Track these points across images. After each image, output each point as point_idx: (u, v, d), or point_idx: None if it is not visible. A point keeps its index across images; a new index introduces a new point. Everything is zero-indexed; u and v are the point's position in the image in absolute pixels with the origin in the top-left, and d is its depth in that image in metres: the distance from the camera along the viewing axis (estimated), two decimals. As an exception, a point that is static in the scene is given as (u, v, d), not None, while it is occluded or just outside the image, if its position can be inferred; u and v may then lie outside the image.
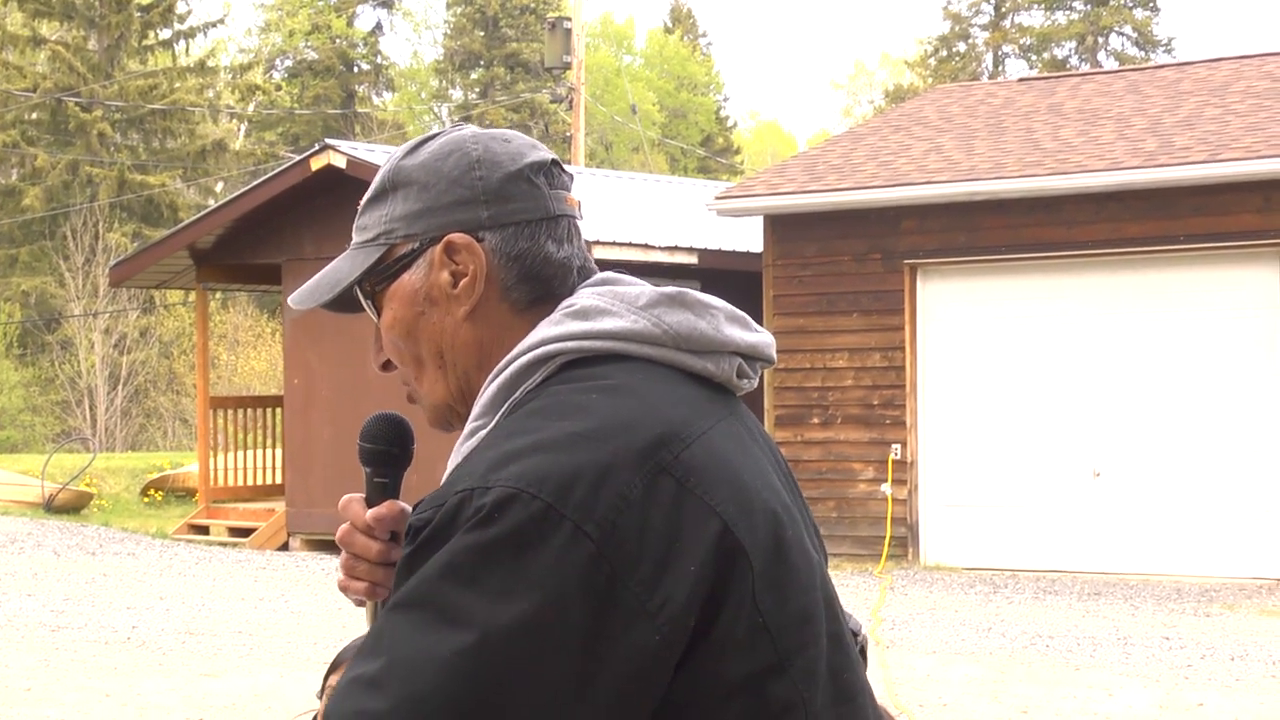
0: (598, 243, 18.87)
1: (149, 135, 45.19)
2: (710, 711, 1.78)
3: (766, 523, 1.85)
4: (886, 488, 17.56)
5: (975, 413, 17.57)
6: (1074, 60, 53.58)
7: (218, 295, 36.91)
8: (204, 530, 20.92)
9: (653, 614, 1.74)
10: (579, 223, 2.05)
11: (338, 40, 55.29)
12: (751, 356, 1.99)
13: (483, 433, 1.90)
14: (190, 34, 47.13)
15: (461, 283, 1.98)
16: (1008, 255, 17.43)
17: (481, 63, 56.68)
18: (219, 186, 45.99)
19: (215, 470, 21.49)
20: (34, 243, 43.19)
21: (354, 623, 13.04)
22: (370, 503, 2.07)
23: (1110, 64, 51.49)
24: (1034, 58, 54.78)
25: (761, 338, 2.00)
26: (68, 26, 44.48)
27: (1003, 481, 17.38)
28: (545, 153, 2.04)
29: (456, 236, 1.98)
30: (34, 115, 44.07)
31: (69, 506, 23.05)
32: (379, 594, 2.06)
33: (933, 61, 56.35)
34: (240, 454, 21.99)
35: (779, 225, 18.45)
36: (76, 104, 42.83)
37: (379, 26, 58.15)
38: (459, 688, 1.70)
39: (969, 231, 17.57)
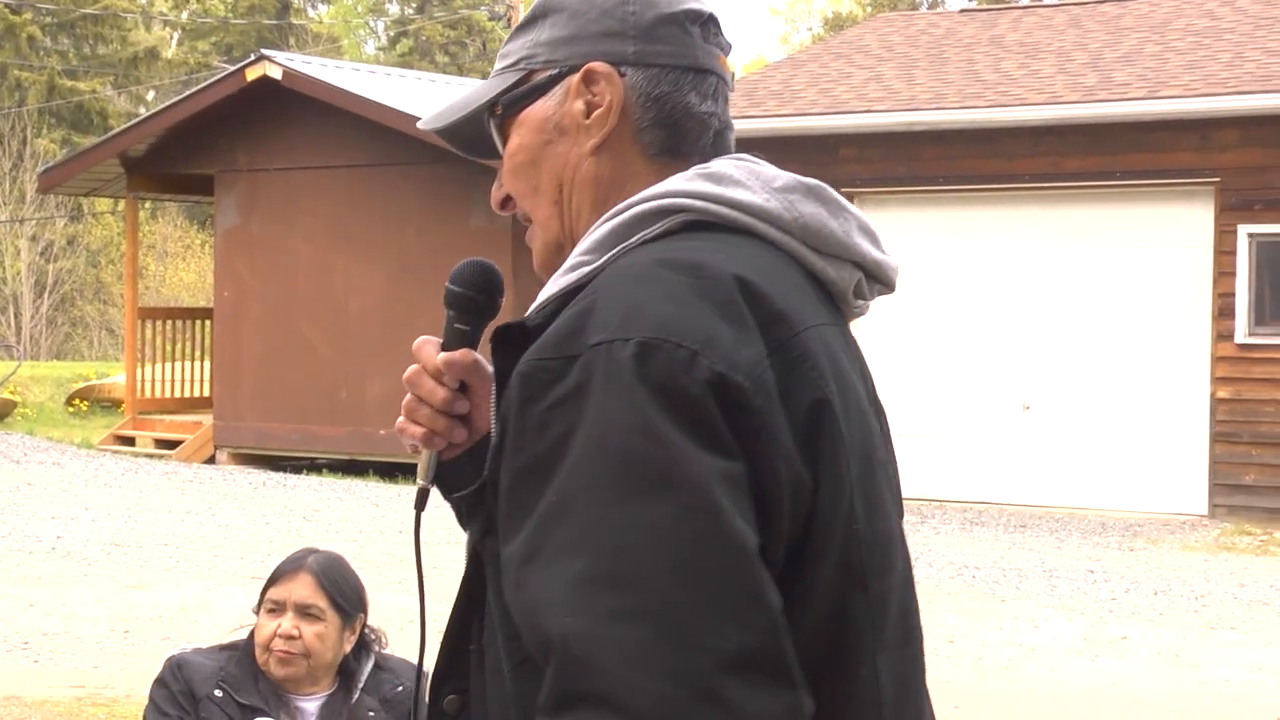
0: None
1: (80, 40, 44.64)
2: (795, 615, 1.68)
3: (862, 431, 1.81)
4: (817, 415, 17.60)
5: (907, 342, 17.61)
6: (1014, -7, 53.58)
7: (147, 205, 36.53)
8: (130, 441, 20.77)
9: (794, 472, 1.69)
10: (728, 88, 1.97)
11: (274, -50, 54.62)
12: (873, 276, 1.92)
13: (586, 269, 1.80)
14: (124, -61, 46.49)
15: (595, 113, 1.90)
16: (945, 186, 17.44)
17: (419, -23, 56.14)
18: (150, 95, 45.49)
19: (142, 381, 21.32)
20: (-39, 146, 42.62)
21: (281, 538, 13.00)
22: (446, 348, 1.99)
23: (1049, -2, 51.52)
24: (974, -10, 54.72)
25: (888, 258, 1.93)
26: (-1, -73, 43.80)
27: (932, 412, 17.44)
28: (704, 5, 1.96)
29: (598, 65, 1.90)
30: (-37, 17, 43.43)
31: (-7, 414, 22.83)
32: (436, 443, 1.99)
33: (873, -10, 56.17)
34: (168, 366, 21.82)
35: (717, 150, 18.36)
36: (6, 6, 42.21)
37: (316, -63, 57.49)
38: (694, 551, 1.60)
39: (907, 161, 17.56)
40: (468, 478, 1.98)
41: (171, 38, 50.32)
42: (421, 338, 2.00)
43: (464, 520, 2.00)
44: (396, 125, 17.99)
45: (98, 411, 24.46)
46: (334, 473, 18.83)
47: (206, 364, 21.68)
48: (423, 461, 2.01)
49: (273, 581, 4.45)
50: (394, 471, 17.96)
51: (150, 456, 20.01)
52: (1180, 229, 16.48)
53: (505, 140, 1.96)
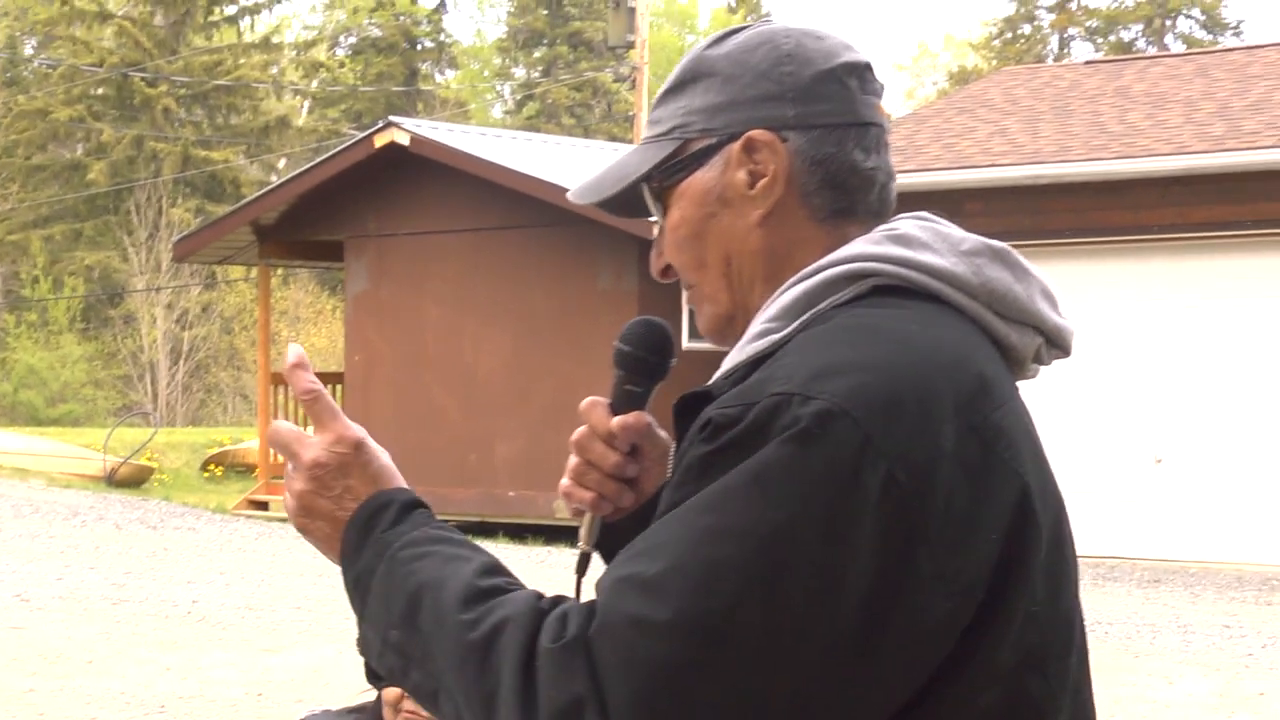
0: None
1: (213, 111, 45.43)
2: (967, 698, 1.64)
3: (1054, 506, 1.74)
4: (946, 471, 17.48)
5: (1039, 398, 17.40)
6: (1141, 43, 53.19)
7: (279, 271, 37.06)
8: (264, 506, 21.03)
9: (949, 579, 1.61)
10: (887, 135, 1.89)
11: (401, 17, 55.37)
12: (1053, 341, 1.87)
13: (775, 336, 1.73)
14: (255, 10, 47.33)
15: (760, 183, 1.82)
16: (1072, 239, 17.31)
17: (545, 41, 56.68)
18: (281, 163, 46.19)
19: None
20: (98, 217, 43.49)
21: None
22: (616, 410, 1.94)
23: (1178, 47, 51.09)
24: (1100, 40, 54.40)
25: (1067, 324, 1.88)
26: (134, 2, 44.73)
27: (1064, 467, 17.18)
28: (860, 54, 1.90)
29: (758, 133, 1.82)
30: (100, 90, 44.37)
31: (130, 480, 23.21)
32: (604, 508, 1.95)
33: (997, 44, 56.03)
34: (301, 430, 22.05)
35: (841, 207, 18.35)
36: (142, 79, 43.06)
37: (442, 4, 58.20)
38: (746, 608, 1.56)
39: (1033, 215, 17.46)
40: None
41: (302, 106, 51.10)
42: (589, 399, 1.95)
43: None
44: (522, 188, 18.15)
45: (232, 476, 24.79)
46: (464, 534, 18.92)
47: (338, 428, 21.88)
48: (586, 525, 1.97)
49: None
50: (523, 533, 18.03)
51: (283, 521, 20.23)
52: (1312, 278, 16.25)
53: (664, 208, 1.89)
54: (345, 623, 12.31)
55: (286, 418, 21.97)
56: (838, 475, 1.58)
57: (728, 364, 1.78)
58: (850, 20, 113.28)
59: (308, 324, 40.26)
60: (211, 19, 46.00)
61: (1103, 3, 54.88)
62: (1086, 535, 16.92)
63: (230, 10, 46.66)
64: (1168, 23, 53.25)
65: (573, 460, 1.95)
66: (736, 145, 1.83)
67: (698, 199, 1.85)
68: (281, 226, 21.60)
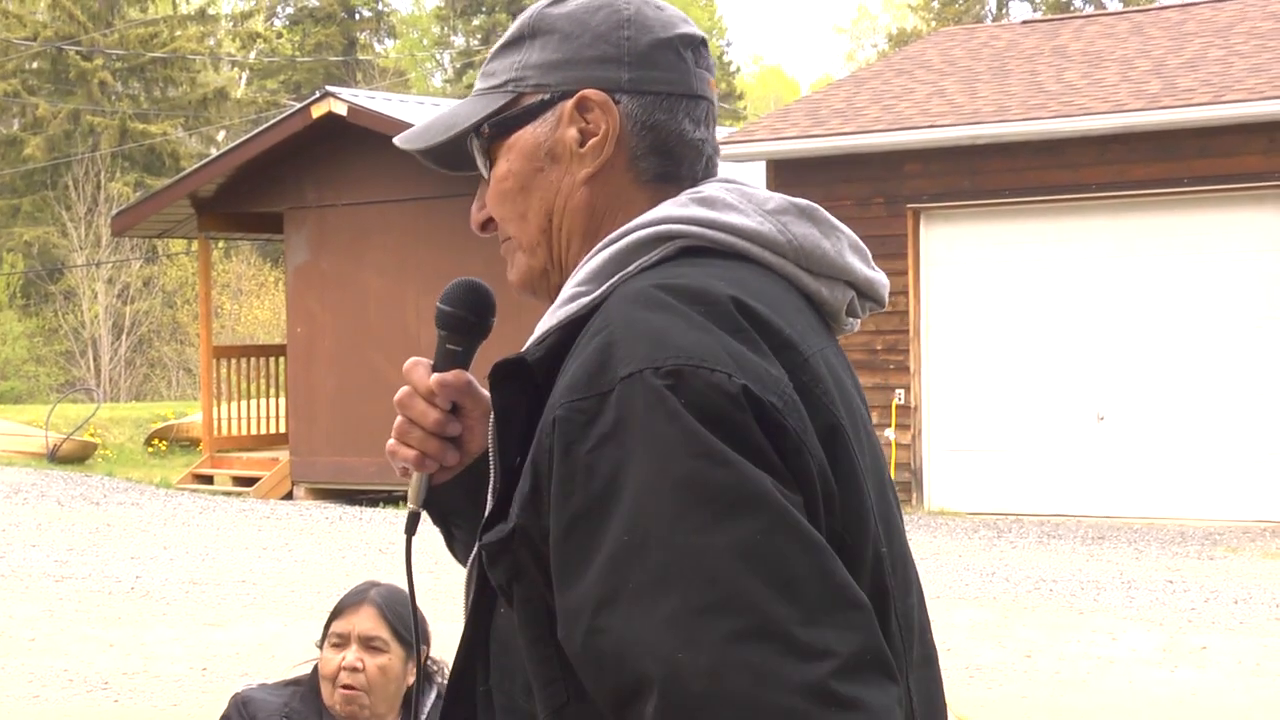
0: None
1: (150, 84, 45.10)
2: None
3: (873, 454, 1.81)
4: (890, 433, 17.54)
5: (979, 357, 17.54)
6: (1078, 2, 53.34)
7: (220, 244, 36.88)
8: (208, 480, 20.94)
9: (830, 491, 1.69)
10: (715, 112, 1.94)
11: (339, -13, 55.04)
12: (865, 294, 1.91)
13: (586, 299, 1.78)
14: (191, -18, 46.98)
15: (590, 142, 1.86)
16: (1011, 199, 17.36)
17: (484, 9, 56.46)
18: (220, 135, 45.89)
19: (219, 419, 21.49)
20: (36, 193, 43.15)
21: (357, 572, 13.06)
22: (438, 369, 1.97)
23: (1114, 5, 51.25)
24: (1038, 0, 54.52)
25: (879, 276, 1.91)
26: (67, -25, 44.32)
27: (1007, 426, 17.36)
28: (697, 29, 1.93)
29: (593, 93, 1.86)
30: (35, 64, 43.98)
31: (73, 457, 23.07)
32: (427, 466, 1.98)
33: (935, 4, 56.08)
34: (244, 403, 21.99)
35: (782, 170, 18.37)
36: (77, 53, 42.71)
37: (380, -27, 57.89)
38: (789, 563, 1.59)
39: (972, 175, 17.51)
40: (459, 501, 1.98)
41: (240, 78, 50.78)
42: (412, 359, 1.98)
43: (455, 548, 2.02)
44: (461, 157, 18.08)
45: (176, 451, 24.66)
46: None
47: (282, 400, 21.83)
48: (413, 485, 2.00)
49: (336, 615, 4.48)
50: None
51: (228, 494, 20.16)
52: (1249, 233, 16.34)
53: (490, 162, 1.92)
54: (290, 595, 12.29)
55: (229, 391, 21.87)
56: (721, 416, 1.63)
57: (541, 328, 1.81)
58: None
59: (250, 296, 40.06)
60: (147, -9, 45.64)
61: (1040, -38, 54.94)
62: (1030, 493, 17.02)
63: (166, -18, 46.32)
64: (1105, -18, 53.37)
65: (397, 419, 1.98)
66: (570, 103, 1.87)
67: (527, 152, 1.88)
68: (220, 199, 21.47)
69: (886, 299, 1.93)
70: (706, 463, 1.60)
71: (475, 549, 1.83)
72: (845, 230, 1.89)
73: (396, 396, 1.97)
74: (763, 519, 1.59)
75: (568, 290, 1.81)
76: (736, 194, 1.84)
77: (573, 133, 1.86)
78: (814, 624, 1.57)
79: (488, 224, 1.95)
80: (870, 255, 1.91)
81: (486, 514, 1.79)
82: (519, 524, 1.72)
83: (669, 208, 1.82)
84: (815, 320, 1.82)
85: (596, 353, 1.68)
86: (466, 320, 1.99)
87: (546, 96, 1.88)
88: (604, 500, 1.63)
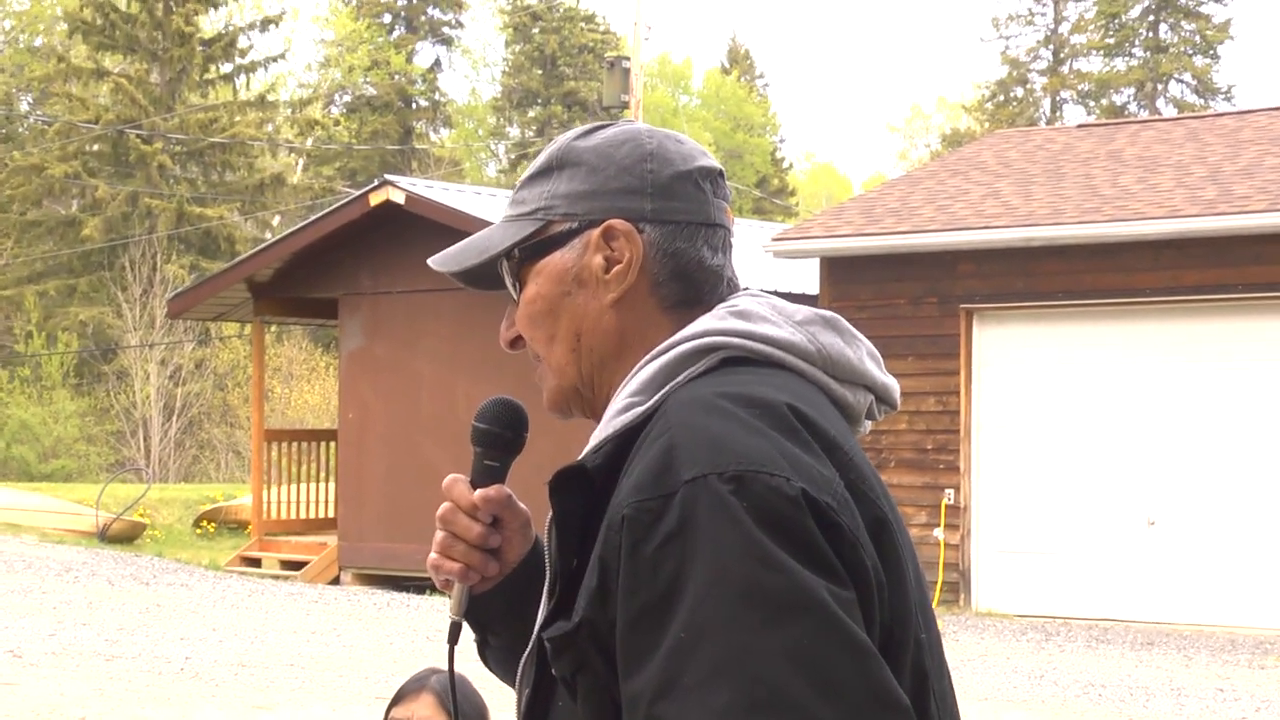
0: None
1: (208, 168, 45.51)
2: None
3: (909, 544, 1.89)
4: (939, 533, 17.50)
5: (1030, 459, 17.50)
6: (1133, 107, 53.46)
7: (273, 329, 37.13)
8: (256, 563, 20.99)
9: (880, 582, 1.78)
10: (732, 239, 2.05)
11: (396, 76, 55.59)
12: (881, 398, 2.01)
13: (639, 409, 1.87)
14: (251, 68, 47.48)
15: (615, 269, 1.98)
16: (1065, 301, 17.38)
17: (539, 101, 56.91)
18: (276, 220, 46.27)
19: (268, 503, 21.57)
20: (93, 273, 43.51)
21: (405, 657, 13.09)
22: (476, 484, 2.07)
23: (1169, 111, 51.35)
24: (1092, 104, 54.68)
25: (892, 381, 2.02)
26: (130, 59, 44.87)
27: (1056, 528, 17.29)
28: (714, 162, 2.04)
29: (618, 222, 1.98)
30: (95, 147, 44.46)
31: (123, 536, 23.17)
32: (471, 578, 2.08)
33: (990, 106, 56.30)
34: (293, 487, 22.07)
35: (835, 267, 18.44)
36: (138, 136, 43.18)
37: (438, 63, 58.46)
38: (834, 667, 1.67)
39: (1026, 277, 17.53)
40: (498, 609, 2.10)
41: (297, 164, 51.23)
42: (451, 476, 2.08)
43: (487, 654, 2.14)
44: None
45: (224, 533, 24.75)
46: (447, 595, 18.88)
47: (331, 485, 21.91)
48: (455, 596, 2.09)
49: (396, 701, 4.51)
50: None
51: (276, 578, 20.21)
52: (1304, 341, 16.30)
53: (520, 284, 2.03)
54: (338, 680, 12.31)
55: (279, 475, 21.97)
56: (780, 520, 1.72)
57: (596, 438, 1.90)
58: (845, 82, 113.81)
59: (301, 381, 40.24)
60: (207, 76, 46.13)
61: (1094, 67, 55.18)
62: (1079, 597, 16.93)
63: (226, 68, 46.80)
64: (1159, 87, 53.54)
65: (439, 534, 2.08)
66: (596, 231, 1.99)
67: (555, 277, 2.00)
68: (276, 284, 21.64)
69: (898, 402, 2.04)
70: (762, 567, 1.70)
71: (531, 645, 1.94)
72: (863, 339, 2.01)
73: (439, 512, 2.07)
74: (811, 623, 1.68)
75: (620, 401, 1.91)
76: (767, 307, 1.96)
77: (599, 260, 1.99)
78: None
79: (516, 341, 2.07)
80: (881, 361, 2.02)
81: (546, 612, 1.89)
82: (585, 617, 1.81)
83: (709, 321, 1.94)
84: (843, 423, 1.93)
85: (660, 456, 1.78)
86: (503, 436, 2.09)
87: (574, 225, 2.00)
88: (667, 597, 1.72)
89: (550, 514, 1.87)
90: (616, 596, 1.76)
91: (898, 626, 1.79)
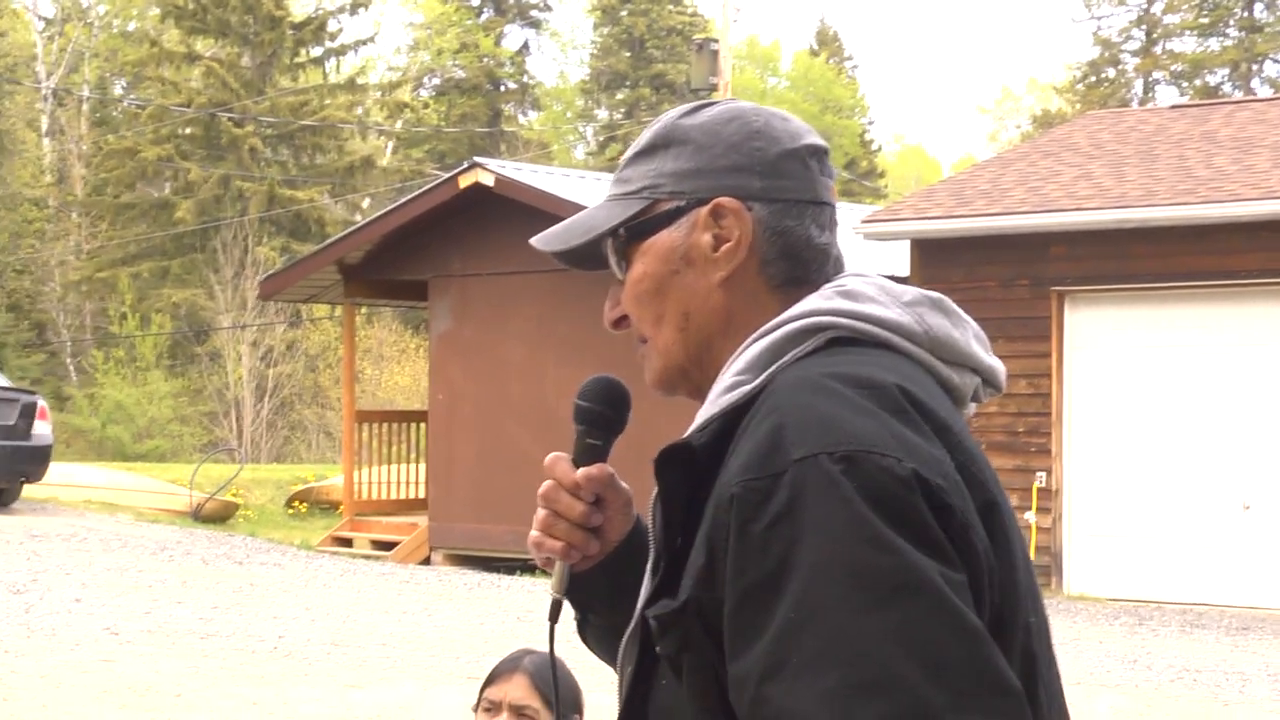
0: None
1: (299, 151, 45.84)
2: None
3: (1019, 529, 1.88)
4: (1031, 516, 17.40)
5: (1122, 442, 17.37)
6: (1227, 87, 52.89)
7: (364, 310, 37.33)
8: (348, 543, 21.14)
9: (991, 565, 1.77)
10: (837, 217, 2.04)
11: (485, 59, 55.77)
12: (988, 380, 1.99)
13: (746, 388, 1.86)
14: (341, 52, 47.77)
15: (724, 247, 1.96)
16: (1158, 284, 17.23)
17: (627, 83, 56.93)
18: (366, 203, 46.53)
19: (359, 484, 21.72)
20: (185, 255, 43.95)
21: (496, 638, 13.15)
22: (578, 463, 2.06)
23: (1264, 91, 50.77)
24: (1185, 84, 54.14)
25: (998, 364, 2.00)
26: (222, 44, 45.24)
27: (1149, 512, 17.16)
28: (820, 139, 2.03)
29: (727, 200, 1.96)
30: (188, 130, 44.87)
31: (216, 516, 23.41)
32: (572, 556, 2.07)
33: (1081, 87, 55.82)
34: (384, 468, 22.21)
35: (926, 249, 18.36)
36: (229, 119, 43.53)
37: (526, 46, 58.62)
38: (944, 650, 1.66)
39: (1119, 259, 17.39)
40: (600, 587, 2.10)
41: (386, 147, 51.48)
42: (553, 454, 2.07)
43: (586, 632, 2.15)
44: (607, 229, 18.20)
45: (316, 513, 24.95)
46: (547, 574, 18.95)
47: (421, 466, 22.03)
48: (556, 574, 2.08)
49: (490, 682, 4.53)
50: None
51: (367, 558, 20.35)
52: (1403, 324, 16.10)
53: (626, 263, 2.02)
54: (430, 660, 12.38)
55: (369, 456, 22.10)
56: (891, 501, 1.70)
57: (702, 416, 1.89)
58: (934, 63, 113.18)
59: (391, 362, 40.49)
60: (298, 60, 46.45)
61: (1188, 47, 54.61)
62: (1175, 582, 16.79)
63: (316, 52, 47.11)
64: (1254, 67, 52.92)
65: (541, 512, 2.07)
66: (705, 210, 1.97)
67: (662, 256, 1.98)
68: (366, 265, 21.77)
69: (1004, 385, 2.02)
70: (873, 548, 1.68)
71: (634, 623, 1.93)
72: (970, 321, 1.99)
73: (541, 490, 2.06)
74: (922, 605, 1.66)
75: (726, 379, 1.89)
76: (875, 287, 1.93)
77: (707, 238, 1.97)
78: (964, 710, 1.64)
79: (620, 321, 2.06)
80: (989, 343, 2.00)
81: (650, 590, 1.88)
82: (692, 596, 1.80)
83: (816, 300, 1.92)
84: (950, 405, 1.91)
85: (769, 435, 1.76)
86: (605, 415, 2.08)
87: (682, 203, 1.98)
88: (776, 577, 1.71)
89: (655, 492, 1.87)
90: (724, 576, 1.75)
91: (1007, 610, 1.78)
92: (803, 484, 1.71)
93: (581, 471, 2.05)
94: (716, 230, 1.96)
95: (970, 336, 1.97)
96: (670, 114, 2.05)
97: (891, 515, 1.69)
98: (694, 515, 1.83)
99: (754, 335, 1.91)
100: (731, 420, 1.84)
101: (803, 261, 1.97)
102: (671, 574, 1.84)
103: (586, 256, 2.07)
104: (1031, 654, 1.81)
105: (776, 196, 1.97)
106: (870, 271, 1.99)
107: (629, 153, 2.06)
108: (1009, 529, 1.82)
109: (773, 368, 1.86)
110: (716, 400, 1.88)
